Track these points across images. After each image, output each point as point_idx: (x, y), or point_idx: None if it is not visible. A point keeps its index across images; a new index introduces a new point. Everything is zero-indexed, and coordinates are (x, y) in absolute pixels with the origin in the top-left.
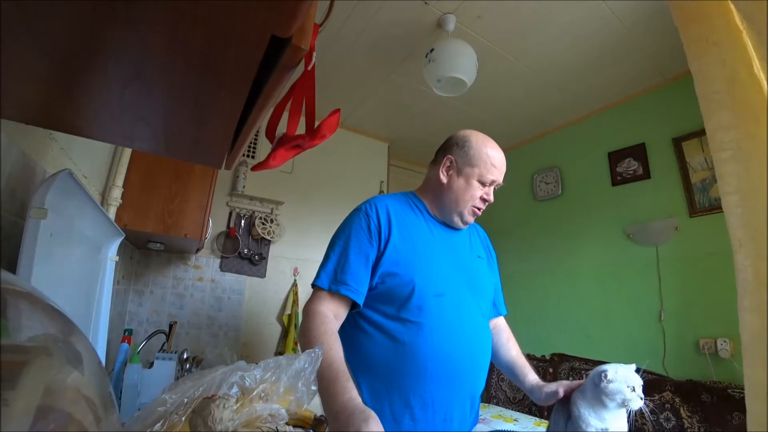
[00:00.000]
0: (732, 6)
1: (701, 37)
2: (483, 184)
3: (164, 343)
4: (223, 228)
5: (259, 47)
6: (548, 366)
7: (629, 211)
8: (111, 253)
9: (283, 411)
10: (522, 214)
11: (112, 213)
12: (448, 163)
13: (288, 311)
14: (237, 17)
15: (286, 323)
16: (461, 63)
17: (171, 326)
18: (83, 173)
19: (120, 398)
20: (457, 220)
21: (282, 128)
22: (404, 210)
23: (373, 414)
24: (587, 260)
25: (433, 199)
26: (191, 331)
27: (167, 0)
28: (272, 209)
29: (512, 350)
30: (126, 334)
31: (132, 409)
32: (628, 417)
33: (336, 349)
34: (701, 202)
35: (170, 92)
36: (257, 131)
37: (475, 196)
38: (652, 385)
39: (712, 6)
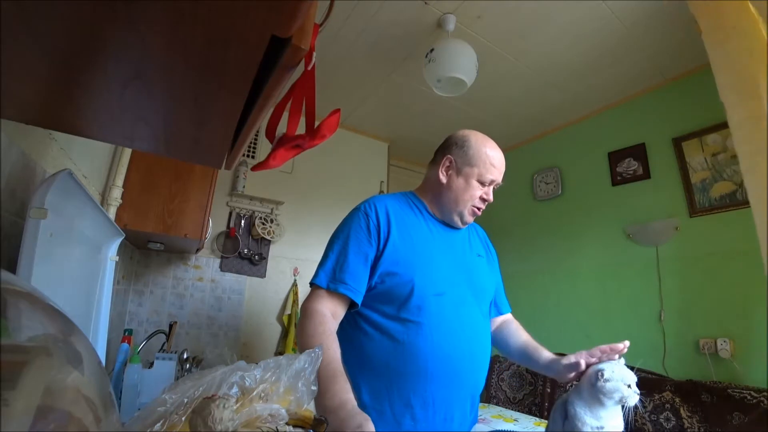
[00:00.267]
0: None
1: (724, 25)
2: (482, 183)
3: (164, 343)
4: (223, 228)
5: (259, 47)
6: None
7: (629, 211)
8: (111, 253)
9: (283, 411)
10: (522, 214)
11: (112, 213)
12: (447, 163)
13: (288, 311)
14: (237, 17)
15: (286, 323)
16: (461, 63)
17: (171, 326)
18: (83, 173)
19: (120, 398)
20: (457, 219)
21: (282, 128)
22: (403, 209)
23: (368, 417)
24: (587, 260)
25: (433, 198)
26: (191, 331)
27: (167, 0)
28: (272, 209)
29: (522, 336)
30: (126, 334)
31: (132, 409)
32: (626, 414)
33: (333, 350)
34: (701, 202)
35: (170, 92)
36: (257, 131)
37: (475, 196)
38: (652, 385)
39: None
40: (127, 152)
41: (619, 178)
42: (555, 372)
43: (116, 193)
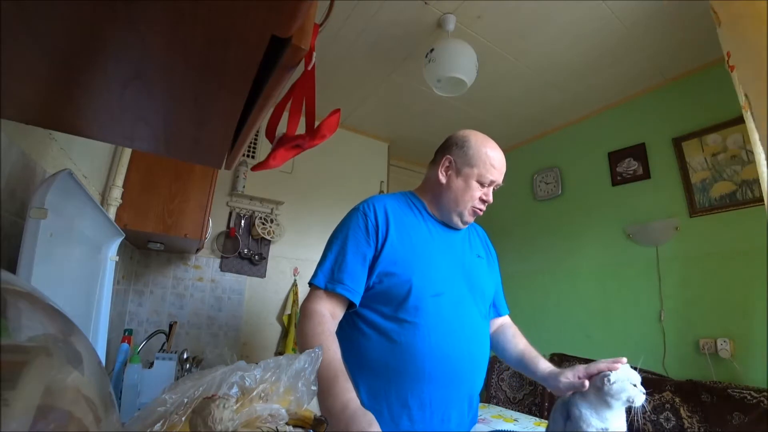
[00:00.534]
0: None
1: (745, 14)
2: (482, 184)
3: (164, 343)
4: (223, 228)
5: (259, 47)
6: None
7: (629, 211)
8: (111, 253)
9: (283, 411)
10: (522, 214)
11: (112, 213)
12: (447, 163)
13: (288, 311)
14: (237, 17)
15: (286, 323)
16: (461, 63)
17: (171, 326)
18: (83, 173)
19: (120, 398)
20: (456, 220)
21: (282, 128)
22: (402, 209)
23: (373, 416)
24: (587, 260)
25: (432, 198)
26: (191, 331)
27: (167, 0)
28: (272, 209)
29: (519, 344)
30: (126, 334)
31: (132, 409)
32: (633, 414)
33: (333, 350)
34: (701, 202)
35: (170, 92)
36: (257, 131)
37: (475, 196)
38: (652, 385)
39: None
40: (127, 152)
41: (619, 178)
42: (552, 386)
43: (116, 193)
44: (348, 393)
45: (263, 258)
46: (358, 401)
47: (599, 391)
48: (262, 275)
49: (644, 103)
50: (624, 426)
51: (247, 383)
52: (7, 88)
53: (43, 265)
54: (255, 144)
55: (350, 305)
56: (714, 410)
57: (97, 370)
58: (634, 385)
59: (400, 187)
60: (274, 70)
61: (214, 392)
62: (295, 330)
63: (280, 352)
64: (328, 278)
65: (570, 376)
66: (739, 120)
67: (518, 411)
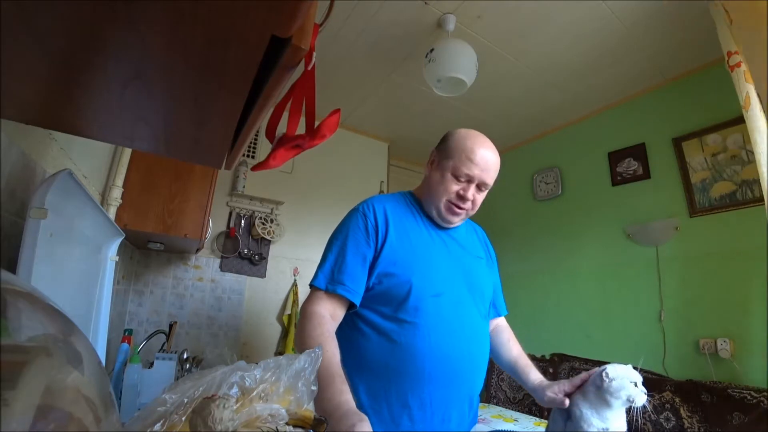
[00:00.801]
0: None
1: (758, 11)
2: (457, 177)
3: (164, 343)
4: (223, 228)
5: (259, 47)
6: (548, 366)
7: (629, 211)
8: (111, 253)
9: (283, 411)
10: (522, 214)
11: (112, 213)
12: (431, 158)
13: (288, 311)
14: (237, 17)
15: (286, 323)
16: (461, 63)
17: (171, 326)
18: (83, 173)
19: (120, 398)
20: (435, 215)
21: (282, 128)
22: (402, 210)
23: (366, 417)
24: (587, 260)
25: (422, 196)
26: (191, 331)
27: (167, 0)
28: (272, 209)
29: (513, 350)
30: (126, 334)
31: (132, 409)
32: (634, 415)
33: (331, 352)
34: (701, 202)
35: (170, 92)
36: (257, 131)
37: (450, 189)
38: (652, 385)
39: None
40: (127, 152)
41: (619, 178)
42: (539, 399)
43: (116, 193)
44: (343, 395)
45: (263, 258)
46: (352, 403)
47: (599, 389)
48: (262, 275)
49: (644, 103)
50: (624, 426)
51: (247, 383)
52: (7, 88)
53: (43, 265)
54: (255, 144)
55: (351, 306)
56: (714, 410)
57: (97, 370)
58: (635, 385)
59: (400, 187)
60: (274, 70)
61: (214, 392)
62: (295, 330)
63: (280, 352)
64: (328, 279)
65: (555, 390)
66: (739, 120)
67: (518, 411)
